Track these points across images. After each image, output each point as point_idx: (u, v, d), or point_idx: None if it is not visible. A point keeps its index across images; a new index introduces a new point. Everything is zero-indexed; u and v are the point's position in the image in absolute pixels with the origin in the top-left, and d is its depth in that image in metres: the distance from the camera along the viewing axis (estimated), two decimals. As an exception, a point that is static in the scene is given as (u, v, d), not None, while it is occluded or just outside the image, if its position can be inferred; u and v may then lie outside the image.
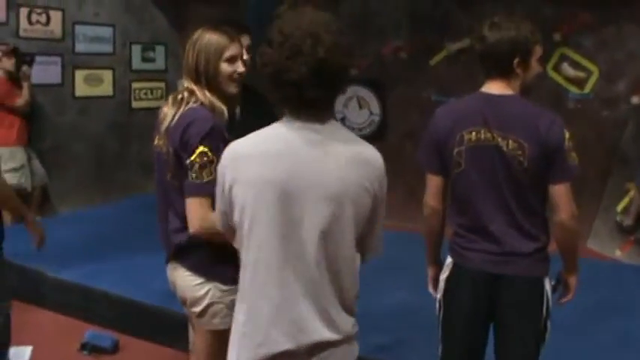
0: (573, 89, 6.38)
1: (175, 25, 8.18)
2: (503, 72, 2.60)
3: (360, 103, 7.48)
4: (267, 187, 1.91)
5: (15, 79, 6.41)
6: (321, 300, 1.96)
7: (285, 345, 1.96)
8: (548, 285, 2.67)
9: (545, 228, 2.66)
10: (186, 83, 2.64)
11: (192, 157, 2.48)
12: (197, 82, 2.63)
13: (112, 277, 4.97)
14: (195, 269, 2.64)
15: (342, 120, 7.28)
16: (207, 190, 2.43)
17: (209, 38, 2.63)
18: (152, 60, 8.21)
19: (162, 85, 8.24)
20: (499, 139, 2.54)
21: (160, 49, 8.27)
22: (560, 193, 2.56)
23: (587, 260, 4.25)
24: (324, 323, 1.97)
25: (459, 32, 6.75)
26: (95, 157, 7.64)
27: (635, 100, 6.11)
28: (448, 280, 2.75)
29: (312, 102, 1.92)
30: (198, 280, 2.63)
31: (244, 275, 2.02)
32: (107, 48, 7.68)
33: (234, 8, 7.32)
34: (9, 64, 6.36)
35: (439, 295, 2.79)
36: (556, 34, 6.39)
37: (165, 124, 2.60)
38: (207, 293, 2.62)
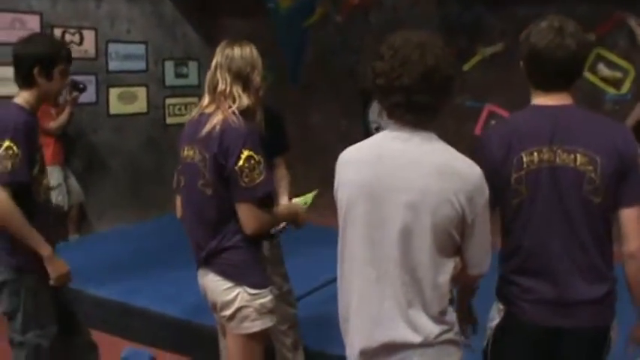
0: (610, 90, 6.25)
1: (207, 40, 8.22)
2: (567, 81, 2.26)
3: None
4: (357, 190, 2.09)
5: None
6: (402, 301, 2.04)
7: (361, 340, 2.11)
8: (614, 332, 2.30)
9: (612, 264, 2.29)
10: (229, 88, 2.74)
11: (240, 163, 2.55)
12: (245, 88, 2.73)
13: (149, 293, 5.00)
14: (225, 274, 2.69)
15: (377, 129, 7.22)
16: (261, 192, 2.59)
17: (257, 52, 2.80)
18: (185, 76, 8.27)
19: (195, 100, 8.14)
20: (564, 156, 2.18)
21: (192, 65, 8.32)
22: (631, 218, 2.20)
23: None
24: (403, 324, 2.04)
25: (491, 36, 6.69)
26: (131, 174, 7.69)
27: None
28: (499, 329, 2.38)
29: (419, 107, 2.02)
30: (228, 284, 2.68)
31: (341, 268, 2.19)
32: (140, 65, 7.75)
33: (264, 21, 7.33)
34: None
35: (485, 344, 2.45)
36: (591, 35, 6.27)
37: (204, 131, 2.66)
38: (236, 297, 2.67)
